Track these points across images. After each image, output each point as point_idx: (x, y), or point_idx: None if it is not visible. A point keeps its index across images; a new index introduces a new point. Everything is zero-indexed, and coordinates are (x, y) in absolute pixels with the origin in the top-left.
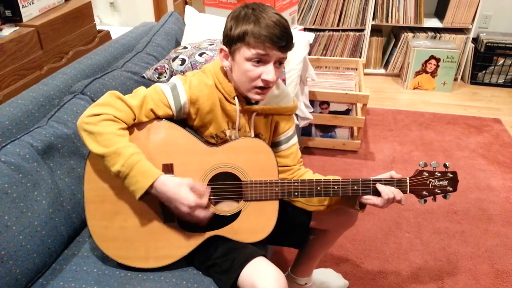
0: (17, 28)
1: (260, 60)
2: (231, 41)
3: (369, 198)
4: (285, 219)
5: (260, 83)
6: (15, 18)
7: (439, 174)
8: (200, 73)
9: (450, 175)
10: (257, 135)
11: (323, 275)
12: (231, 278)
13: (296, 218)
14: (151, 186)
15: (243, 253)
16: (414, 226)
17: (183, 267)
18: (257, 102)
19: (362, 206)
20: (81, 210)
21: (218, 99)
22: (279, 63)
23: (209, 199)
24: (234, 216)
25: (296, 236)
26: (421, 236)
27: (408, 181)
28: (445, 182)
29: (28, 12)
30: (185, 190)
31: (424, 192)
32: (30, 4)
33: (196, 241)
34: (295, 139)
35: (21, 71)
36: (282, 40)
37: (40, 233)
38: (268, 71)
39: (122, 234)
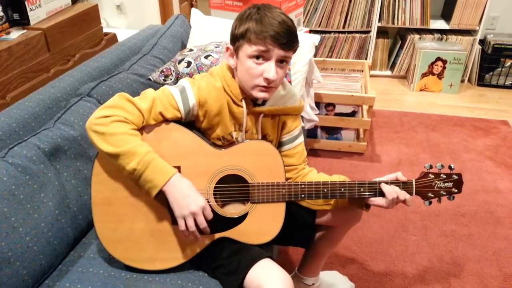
0: (25, 31)
1: (262, 57)
2: (235, 39)
3: (374, 199)
4: (290, 219)
5: (262, 82)
6: (23, 21)
7: (445, 176)
8: (208, 75)
9: (455, 176)
10: (264, 136)
11: (329, 277)
12: (237, 280)
13: (301, 217)
14: (166, 182)
15: (250, 254)
16: (420, 228)
17: (189, 269)
18: (263, 103)
19: (367, 206)
20: (88, 212)
21: (226, 102)
22: (281, 61)
23: (217, 202)
24: (241, 218)
25: (302, 235)
26: (427, 238)
27: (414, 183)
28: (450, 184)
29: (35, 15)
30: (196, 192)
31: (430, 194)
32: (37, 7)
33: (203, 243)
34: (301, 139)
35: (29, 74)
36: (284, 37)
37: (47, 234)
38: (269, 69)
39: (129, 236)
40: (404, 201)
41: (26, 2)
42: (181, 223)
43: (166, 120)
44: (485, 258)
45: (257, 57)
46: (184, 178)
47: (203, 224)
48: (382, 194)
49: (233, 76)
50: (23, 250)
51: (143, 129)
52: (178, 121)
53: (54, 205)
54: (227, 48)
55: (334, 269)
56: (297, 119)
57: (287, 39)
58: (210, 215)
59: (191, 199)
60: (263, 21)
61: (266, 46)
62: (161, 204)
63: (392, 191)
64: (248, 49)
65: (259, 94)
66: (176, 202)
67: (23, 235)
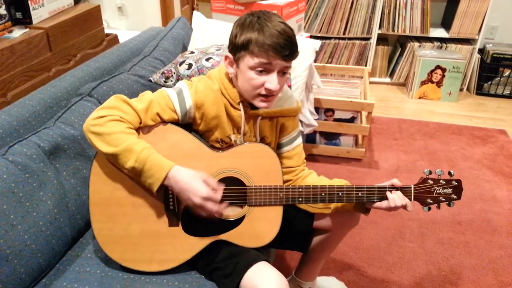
0: (27, 30)
1: (264, 69)
2: (235, 48)
3: (376, 204)
4: (288, 222)
5: (263, 91)
6: (26, 20)
7: (444, 182)
8: (206, 78)
9: (454, 183)
10: (262, 139)
11: (326, 283)
12: (233, 282)
13: (299, 221)
14: (165, 177)
15: (246, 257)
16: (417, 235)
17: (186, 271)
18: None
19: (367, 210)
20: (86, 212)
21: (223, 105)
22: (283, 72)
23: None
24: (238, 221)
25: (300, 239)
26: (424, 246)
27: (412, 188)
28: (450, 190)
29: (38, 15)
30: (198, 181)
31: (429, 200)
32: (40, 7)
33: (200, 245)
34: (299, 140)
35: (30, 72)
36: (286, 49)
37: (45, 233)
38: (271, 80)
39: (127, 237)
40: (405, 207)
41: (29, 1)
42: (195, 209)
43: (164, 121)
44: (481, 266)
45: (259, 69)
46: (183, 168)
47: (212, 209)
48: (381, 199)
49: (230, 80)
50: (21, 248)
51: (141, 130)
52: (176, 122)
53: (53, 203)
54: (226, 57)
55: (331, 275)
56: (295, 121)
57: (289, 51)
58: (217, 200)
59: (192, 193)
60: (265, 32)
61: (269, 59)
62: (157, 206)
63: (396, 198)
64: (250, 61)
65: (260, 104)
66: (179, 196)
67: (22, 233)
